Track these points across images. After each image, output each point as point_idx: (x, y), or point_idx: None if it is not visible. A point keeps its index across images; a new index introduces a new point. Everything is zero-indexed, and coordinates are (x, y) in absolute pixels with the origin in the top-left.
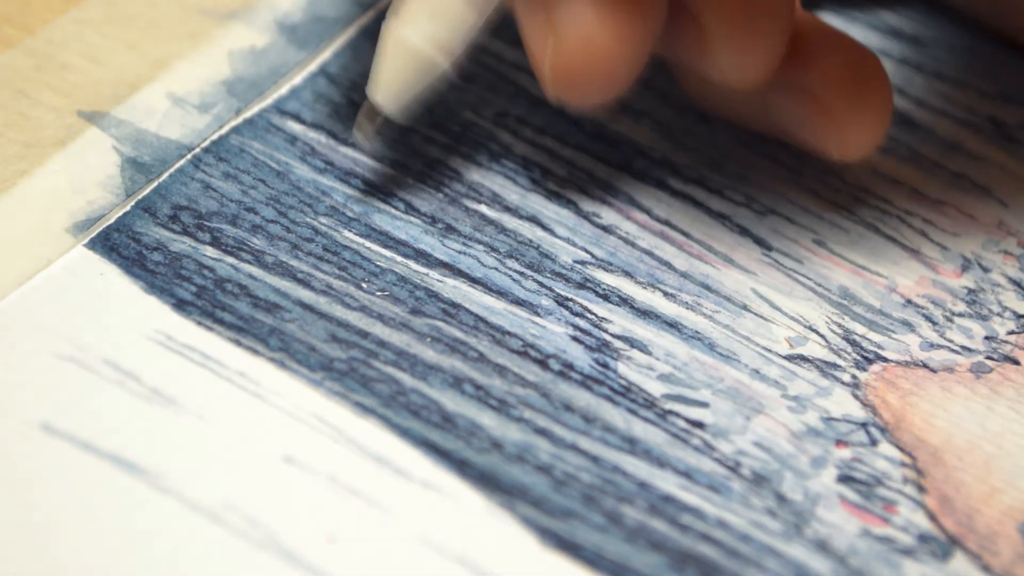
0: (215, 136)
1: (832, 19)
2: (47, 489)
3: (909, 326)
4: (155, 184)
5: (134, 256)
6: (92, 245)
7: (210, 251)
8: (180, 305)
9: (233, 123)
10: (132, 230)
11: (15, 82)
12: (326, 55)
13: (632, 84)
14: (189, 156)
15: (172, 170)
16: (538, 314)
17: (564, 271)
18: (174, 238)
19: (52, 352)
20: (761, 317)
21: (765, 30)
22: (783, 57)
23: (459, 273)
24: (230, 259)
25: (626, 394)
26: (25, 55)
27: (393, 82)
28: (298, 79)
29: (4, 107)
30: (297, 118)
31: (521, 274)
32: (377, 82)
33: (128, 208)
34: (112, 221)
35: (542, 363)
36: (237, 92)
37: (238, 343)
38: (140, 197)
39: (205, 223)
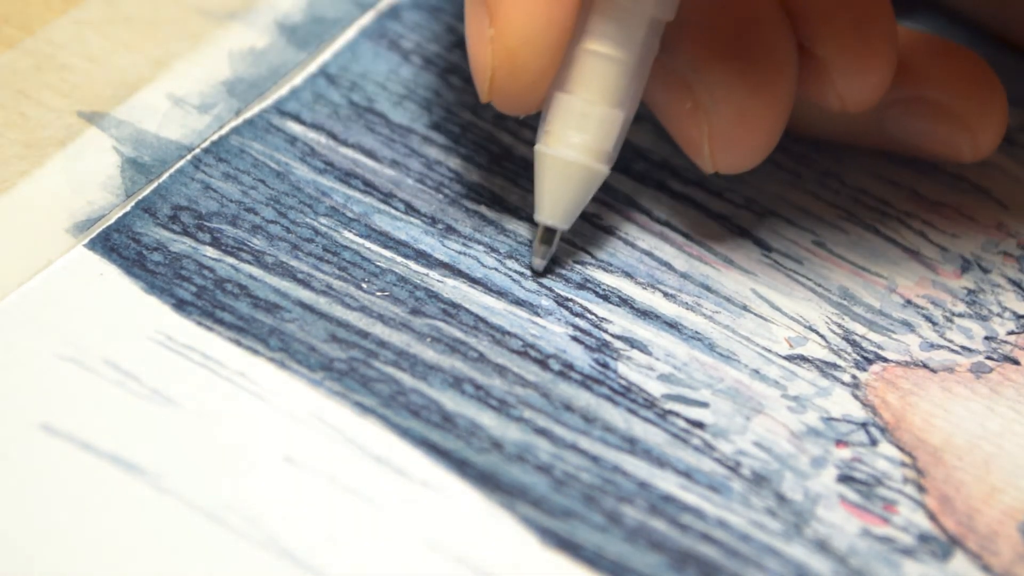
0: (215, 136)
1: None
2: (47, 489)
3: (909, 326)
4: (155, 184)
5: (134, 256)
6: (92, 245)
7: (210, 251)
8: (180, 305)
9: (233, 124)
10: (132, 230)
11: (15, 82)
12: (326, 56)
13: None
14: (189, 156)
15: (172, 170)
16: (538, 314)
17: (564, 272)
18: (174, 238)
19: (52, 352)
20: (761, 317)
21: (880, 51)
22: (899, 71)
23: (459, 273)
24: (230, 259)
25: (626, 394)
26: (25, 55)
27: (561, 202)
28: (298, 80)
29: (4, 107)
30: (297, 119)
31: (521, 274)
32: (544, 205)
33: (128, 208)
34: (112, 221)
35: (542, 363)
36: (237, 92)
37: (238, 343)
38: (140, 197)
39: (205, 223)
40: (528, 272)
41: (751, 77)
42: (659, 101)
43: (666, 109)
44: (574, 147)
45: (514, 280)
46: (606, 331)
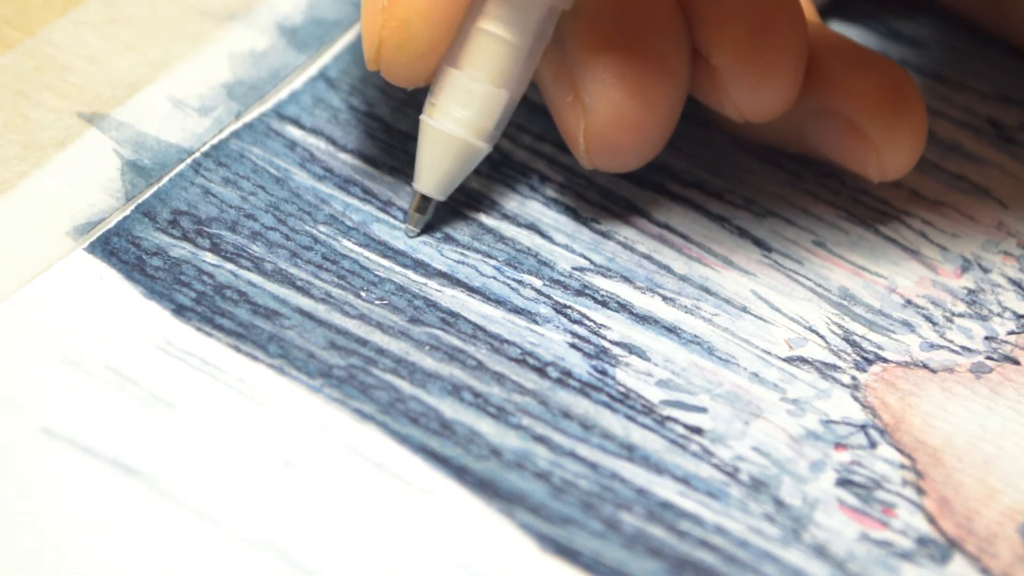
0: (215, 140)
1: (833, 22)
2: (47, 493)
3: (909, 327)
4: (155, 188)
5: (134, 261)
6: (92, 249)
7: (210, 257)
8: (180, 310)
9: (233, 127)
10: (132, 234)
11: (15, 83)
12: (326, 58)
13: (663, 146)
14: (189, 160)
15: (172, 174)
16: (536, 322)
17: (563, 278)
18: (174, 243)
19: (52, 356)
20: (761, 319)
21: (777, 65)
22: (812, 82)
23: (457, 283)
24: (230, 265)
25: (624, 401)
26: (25, 56)
27: (437, 173)
28: (298, 83)
29: (4, 108)
30: (296, 123)
31: (519, 282)
32: (422, 175)
33: (128, 212)
34: (112, 225)
35: (540, 371)
36: (237, 95)
37: (237, 349)
38: (140, 201)
39: (205, 229)
40: (527, 279)
41: (633, 79)
42: (547, 89)
43: (551, 98)
44: (456, 121)
45: (512, 288)
46: (604, 338)
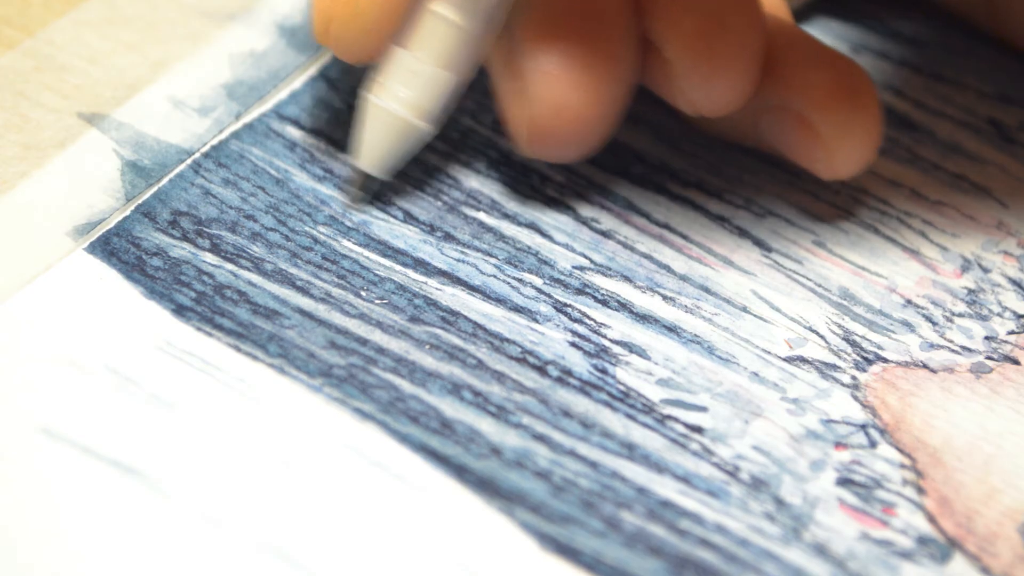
0: (215, 141)
1: (832, 22)
2: (47, 493)
3: (909, 326)
4: (155, 189)
5: (134, 261)
6: (92, 249)
7: (209, 257)
8: (179, 311)
9: (233, 128)
10: (132, 235)
11: (15, 84)
12: (326, 59)
13: (606, 138)
14: (189, 161)
15: (172, 175)
16: (537, 320)
17: (563, 277)
18: (174, 244)
19: (52, 356)
20: (761, 319)
21: (730, 60)
22: (767, 77)
23: (458, 281)
24: (229, 266)
25: (625, 399)
26: (25, 57)
27: (377, 149)
28: (298, 83)
29: (4, 109)
30: (296, 123)
31: (520, 281)
32: (361, 150)
33: (128, 212)
34: (112, 226)
35: (541, 369)
36: (237, 96)
37: (237, 349)
38: (140, 202)
39: (205, 229)
40: (527, 278)
41: (578, 72)
42: (496, 76)
43: (498, 84)
44: (398, 100)
45: (512, 287)
46: (605, 336)
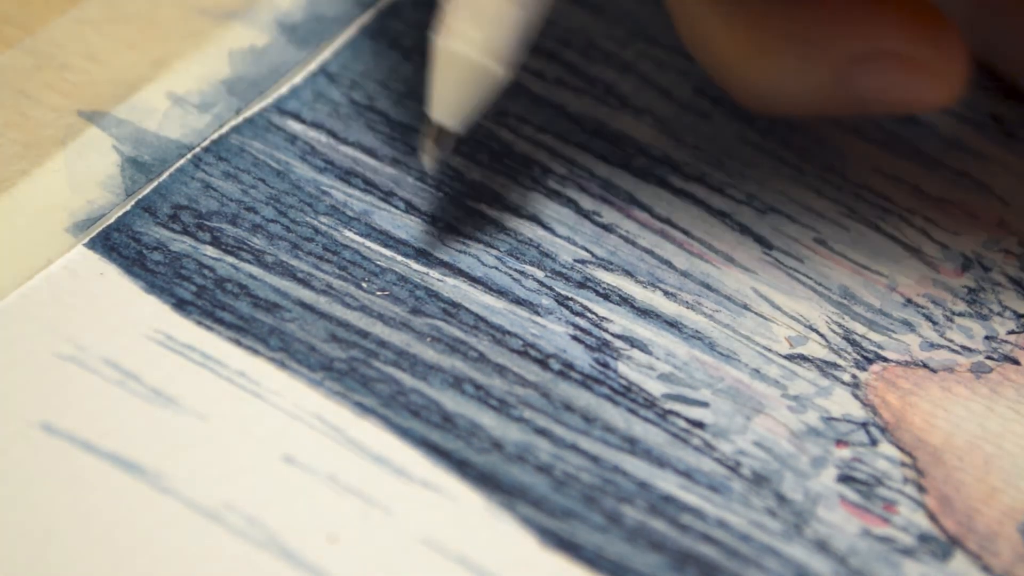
0: (215, 136)
1: None
2: (47, 489)
3: (909, 326)
4: (155, 184)
5: (134, 256)
6: (92, 245)
7: (210, 251)
8: (180, 305)
9: (233, 123)
10: (132, 230)
11: (15, 82)
12: (326, 54)
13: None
14: (189, 156)
15: (172, 170)
16: (538, 313)
17: (565, 270)
18: (174, 238)
19: (52, 352)
20: (761, 316)
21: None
22: (840, 27)
23: (459, 272)
24: (230, 259)
25: (626, 394)
26: (25, 55)
27: (452, 98)
28: (298, 78)
29: (4, 107)
30: (297, 117)
31: (521, 273)
32: (435, 101)
33: (128, 208)
34: (112, 221)
35: (542, 363)
36: (237, 91)
37: (238, 343)
38: (140, 197)
39: (205, 223)
40: (528, 271)
41: None
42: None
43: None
44: (473, 43)
45: (514, 279)
46: (606, 330)
